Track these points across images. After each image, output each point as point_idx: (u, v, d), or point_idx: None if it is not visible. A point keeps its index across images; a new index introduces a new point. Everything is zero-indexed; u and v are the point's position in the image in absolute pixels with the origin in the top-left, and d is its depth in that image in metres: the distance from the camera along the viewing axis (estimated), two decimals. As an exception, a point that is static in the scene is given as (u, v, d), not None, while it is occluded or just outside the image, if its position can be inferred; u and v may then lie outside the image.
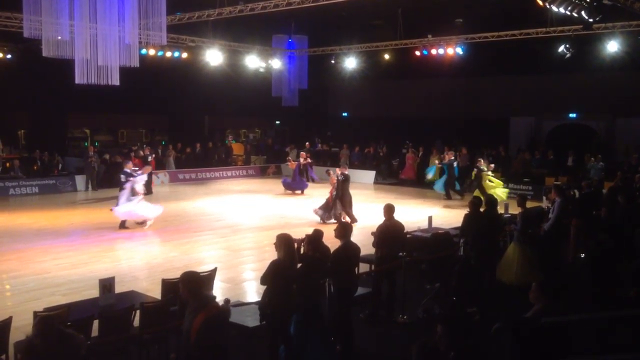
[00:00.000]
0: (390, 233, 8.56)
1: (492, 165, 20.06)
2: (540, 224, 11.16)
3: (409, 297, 8.72)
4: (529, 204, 11.26)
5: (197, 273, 5.34)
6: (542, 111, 27.77)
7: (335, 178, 16.00)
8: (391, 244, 8.58)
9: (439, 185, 20.97)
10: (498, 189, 18.79)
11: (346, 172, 16.34)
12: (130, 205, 14.79)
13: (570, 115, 27.56)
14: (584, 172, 20.85)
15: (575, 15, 13.52)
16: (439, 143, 26.42)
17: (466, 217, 9.84)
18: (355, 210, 16.17)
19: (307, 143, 27.21)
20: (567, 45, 18.54)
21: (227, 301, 6.59)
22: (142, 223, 15.12)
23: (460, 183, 21.42)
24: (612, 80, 23.86)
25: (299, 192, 21.96)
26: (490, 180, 19.15)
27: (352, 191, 16.37)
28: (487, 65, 25.45)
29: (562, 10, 13.44)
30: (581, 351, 7.01)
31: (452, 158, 21.02)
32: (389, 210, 8.67)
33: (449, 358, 4.18)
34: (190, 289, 5.01)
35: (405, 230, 10.39)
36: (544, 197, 15.17)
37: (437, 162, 22.39)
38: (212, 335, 4.78)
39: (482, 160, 19.92)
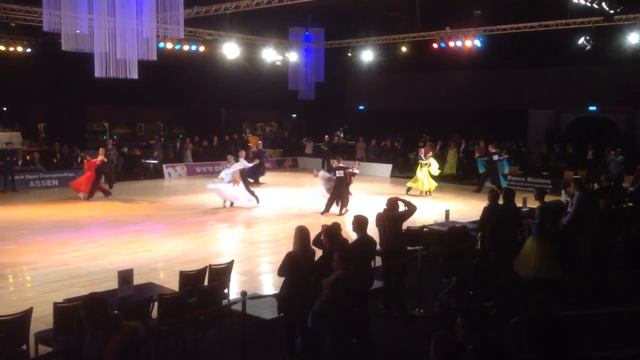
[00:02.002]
0: (381, 221, 8.46)
1: (427, 154, 20.19)
2: (559, 218, 11.05)
3: (426, 290, 8.70)
4: (548, 198, 11.13)
5: (100, 295, 4.67)
6: (561, 104, 27.47)
7: (351, 171, 16.30)
8: (385, 232, 8.46)
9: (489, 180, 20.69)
10: (427, 180, 19.34)
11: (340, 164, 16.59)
12: (222, 185, 16.75)
13: (590, 108, 27.23)
14: (603, 166, 20.60)
15: (596, 6, 13.36)
16: (456, 136, 26.27)
17: (485, 210, 9.78)
18: (370, 203, 16.19)
19: (326, 136, 27.16)
20: (587, 37, 18.30)
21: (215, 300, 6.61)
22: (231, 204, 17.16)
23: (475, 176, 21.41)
24: (633, 73, 23.47)
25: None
26: (425, 169, 19.48)
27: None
28: (505, 58, 25.21)
29: (582, 1, 13.29)
30: (601, 345, 6.97)
31: (494, 151, 20.46)
32: (389, 203, 8.58)
33: (467, 351, 4.17)
34: (96, 314, 4.34)
35: (422, 224, 10.39)
36: (563, 191, 15.00)
37: (477, 154, 22.03)
38: (130, 357, 4.34)
39: (422, 149, 20.54)
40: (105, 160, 18.78)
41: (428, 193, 19.50)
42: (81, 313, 4.43)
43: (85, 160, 19.09)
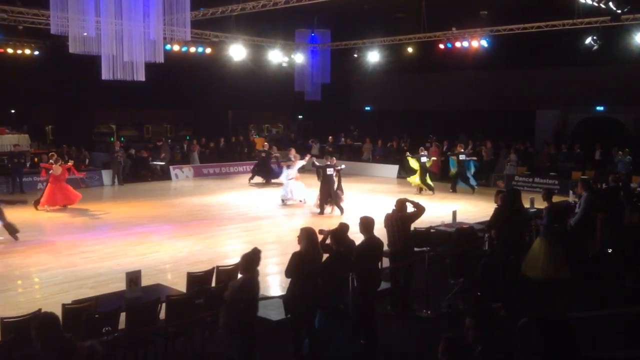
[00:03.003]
0: (389, 221, 8.45)
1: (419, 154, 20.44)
2: (567, 219, 11.00)
3: (433, 291, 8.68)
4: (556, 199, 11.09)
5: (52, 314, 4.28)
6: (568, 104, 27.35)
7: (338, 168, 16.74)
8: (394, 233, 8.45)
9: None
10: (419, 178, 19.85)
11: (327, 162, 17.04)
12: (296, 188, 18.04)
13: (598, 108, 27.11)
14: (611, 166, 20.50)
15: (603, 6, 13.31)
16: (463, 136, 26.21)
17: (496, 210, 9.75)
18: (377, 204, 16.19)
19: (329, 137, 27.19)
20: (595, 37, 18.23)
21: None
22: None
23: (482, 177, 21.45)
24: (641, 73, 23.39)
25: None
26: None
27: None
28: (512, 58, 25.13)
29: (589, 1, 13.24)
30: (608, 346, 6.94)
31: (462, 151, 20.88)
32: (398, 204, 8.60)
33: (475, 352, 4.16)
34: (48, 335, 4.03)
35: (430, 225, 10.35)
36: (571, 192, 14.96)
37: (447, 153, 22.51)
38: None
39: (422, 149, 20.85)
40: (53, 166, 16.94)
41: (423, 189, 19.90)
42: (32, 334, 4.08)
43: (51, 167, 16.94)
